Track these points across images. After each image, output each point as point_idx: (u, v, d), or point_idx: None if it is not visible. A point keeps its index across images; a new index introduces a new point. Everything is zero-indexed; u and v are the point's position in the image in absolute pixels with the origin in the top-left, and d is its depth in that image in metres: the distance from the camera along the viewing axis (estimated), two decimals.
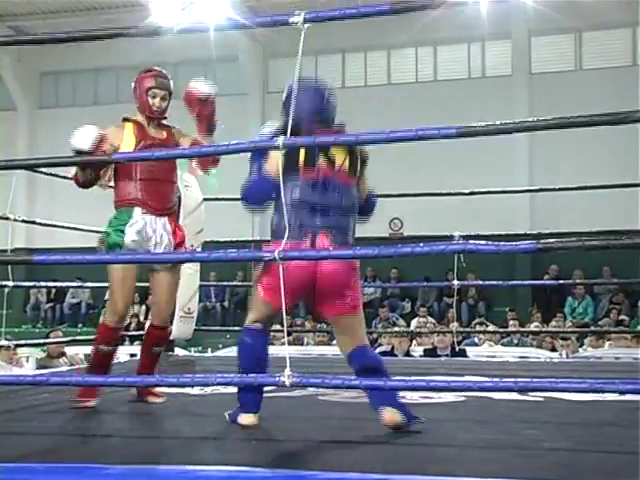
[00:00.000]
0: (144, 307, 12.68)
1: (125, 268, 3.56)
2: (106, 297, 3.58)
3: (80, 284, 10.20)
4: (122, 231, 3.62)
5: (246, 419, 3.04)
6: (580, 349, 8.07)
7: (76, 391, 3.52)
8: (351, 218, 3.07)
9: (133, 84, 3.78)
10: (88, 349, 8.27)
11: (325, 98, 3.15)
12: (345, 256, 2.74)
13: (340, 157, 3.02)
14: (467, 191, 5.93)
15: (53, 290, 15.24)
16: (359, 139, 2.70)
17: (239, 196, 3.14)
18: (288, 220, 2.87)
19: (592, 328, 10.28)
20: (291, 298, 2.90)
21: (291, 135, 2.74)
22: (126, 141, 3.66)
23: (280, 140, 2.62)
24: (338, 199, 3.00)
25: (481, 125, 2.51)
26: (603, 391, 2.40)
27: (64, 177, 5.16)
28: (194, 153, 3.54)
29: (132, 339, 8.02)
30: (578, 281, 12.08)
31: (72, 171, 3.70)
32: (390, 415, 2.87)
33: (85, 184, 3.68)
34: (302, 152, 2.98)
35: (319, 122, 3.05)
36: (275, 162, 2.96)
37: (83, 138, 3.44)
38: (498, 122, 2.54)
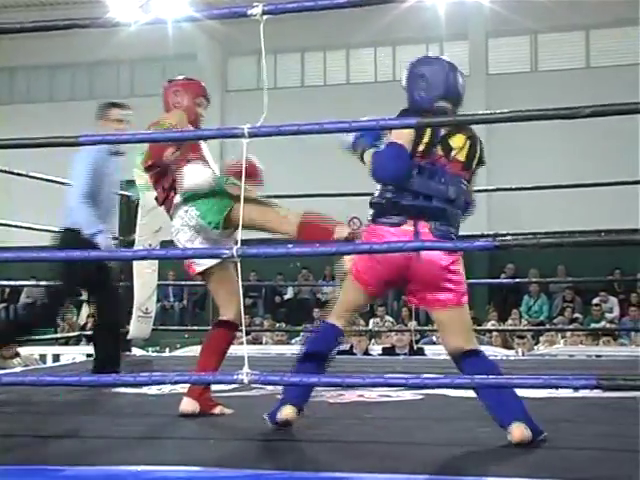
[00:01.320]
0: None
1: (221, 268, 3.36)
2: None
3: (35, 283, 10.03)
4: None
5: (284, 411, 2.84)
6: (535, 347, 8.18)
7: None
8: (456, 211, 2.88)
9: (177, 88, 3.66)
10: (43, 349, 8.20)
11: (458, 77, 3.02)
12: (305, 253, 2.73)
13: (458, 147, 2.88)
14: None
15: (7, 290, 14.99)
16: (323, 127, 2.70)
17: (373, 173, 2.86)
18: (391, 201, 2.82)
19: (547, 326, 10.44)
20: (384, 284, 2.90)
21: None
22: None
23: (245, 128, 2.55)
24: (444, 189, 2.82)
25: (440, 117, 2.55)
26: (558, 387, 2.44)
27: (19, 174, 5.10)
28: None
29: (89, 339, 7.92)
30: (534, 279, 12.22)
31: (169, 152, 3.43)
32: (520, 431, 2.63)
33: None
34: (427, 134, 2.82)
35: (450, 104, 2.95)
36: (406, 138, 2.80)
37: (198, 176, 3.39)
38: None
